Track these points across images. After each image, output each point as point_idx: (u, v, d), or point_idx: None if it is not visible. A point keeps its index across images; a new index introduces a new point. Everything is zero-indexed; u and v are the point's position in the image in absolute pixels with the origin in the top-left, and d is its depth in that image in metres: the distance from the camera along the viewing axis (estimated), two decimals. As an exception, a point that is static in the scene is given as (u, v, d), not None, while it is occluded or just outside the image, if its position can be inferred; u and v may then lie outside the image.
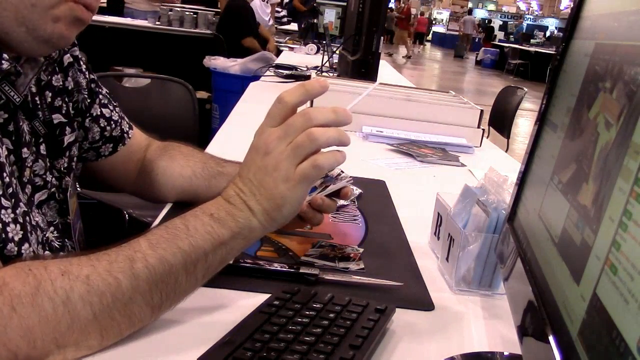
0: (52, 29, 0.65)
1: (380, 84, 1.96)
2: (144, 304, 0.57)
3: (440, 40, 29.49)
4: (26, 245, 0.65)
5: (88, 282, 0.54)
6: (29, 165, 0.72)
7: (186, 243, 0.59)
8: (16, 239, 0.64)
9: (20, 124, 0.70)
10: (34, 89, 0.74)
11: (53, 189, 0.76)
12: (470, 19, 25.18)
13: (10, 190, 0.65)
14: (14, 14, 0.62)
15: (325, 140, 0.62)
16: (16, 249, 0.64)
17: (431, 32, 29.61)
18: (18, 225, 0.64)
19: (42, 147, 0.75)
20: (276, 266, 0.76)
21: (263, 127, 0.64)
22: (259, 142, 0.63)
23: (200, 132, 2.13)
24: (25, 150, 0.70)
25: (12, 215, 0.64)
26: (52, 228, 0.77)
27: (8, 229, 0.63)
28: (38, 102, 0.75)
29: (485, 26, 25.28)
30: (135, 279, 0.56)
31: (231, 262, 0.74)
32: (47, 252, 0.73)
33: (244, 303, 0.67)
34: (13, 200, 0.65)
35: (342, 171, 0.78)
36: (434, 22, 32.25)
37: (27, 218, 0.68)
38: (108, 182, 0.97)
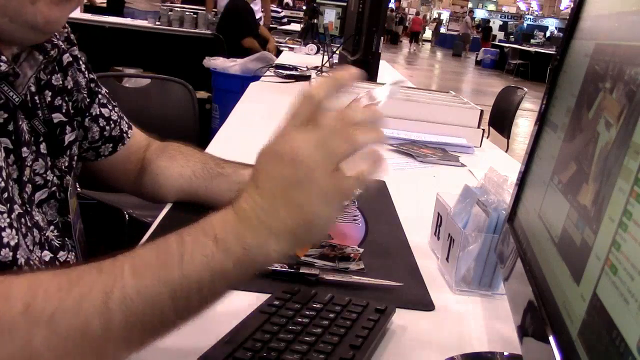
0: (33, 11, 0.62)
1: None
2: (121, 342, 0.49)
3: (441, 41, 29.51)
4: (20, 250, 0.65)
5: (51, 324, 0.46)
6: (28, 164, 0.72)
7: (177, 274, 0.49)
8: (12, 244, 0.63)
9: (20, 123, 0.70)
10: (33, 88, 0.74)
11: (54, 188, 0.76)
12: (467, 19, 25.66)
13: (6, 195, 0.65)
14: None
15: (365, 145, 0.52)
16: (11, 254, 0.63)
17: (438, 34, 29.54)
18: (14, 230, 0.64)
19: (43, 146, 0.75)
20: (276, 266, 0.76)
21: (287, 128, 0.52)
22: (284, 147, 0.51)
23: (200, 132, 2.13)
24: (24, 149, 0.70)
25: (7, 220, 0.63)
26: (52, 227, 0.77)
27: (3, 234, 0.62)
28: (37, 101, 0.75)
29: (483, 26, 25.56)
30: (109, 319, 0.47)
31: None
32: (45, 252, 0.73)
33: (244, 303, 0.67)
34: (9, 205, 0.65)
35: None
36: (433, 22, 32.25)
37: (23, 220, 0.67)
38: (108, 182, 0.97)
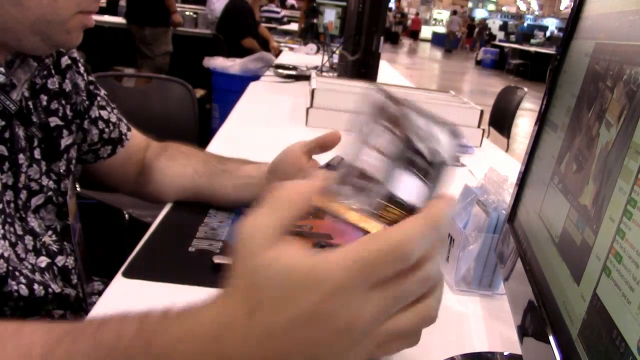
0: (66, 39, 0.69)
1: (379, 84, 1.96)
2: None
3: (440, 40, 29.66)
4: (13, 259, 0.65)
5: None
6: (23, 170, 0.71)
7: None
8: (6, 255, 0.63)
9: (16, 130, 0.70)
10: (26, 93, 0.74)
11: (50, 193, 0.76)
12: (456, 19, 28.65)
13: (1, 205, 0.65)
14: (29, 27, 0.65)
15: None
16: (5, 265, 0.63)
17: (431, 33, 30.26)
18: (7, 242, 0.64)
19: (37, 152, 0.74)
20: (276, 266, 0.76)
21: (351, 287, 0.36)
22: (341, 312, 0.35)
23: (200, 132, 2.13)
24: (20, 156, 0.71)
25: (1, 232, 0.63)
26: (50, 232, 0.76)
27: None
28: (32, 106, 0.75)
29: (468, 24, 28.78)
30: None
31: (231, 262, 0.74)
32: (42, 257, 0.73)
33: (244, 303, 0.67)
34: (2, 216, 0.65)
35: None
36: (434, 22, 32.55)
37: (12, 229, 0.67)
38: (107, 183, 0.97)
